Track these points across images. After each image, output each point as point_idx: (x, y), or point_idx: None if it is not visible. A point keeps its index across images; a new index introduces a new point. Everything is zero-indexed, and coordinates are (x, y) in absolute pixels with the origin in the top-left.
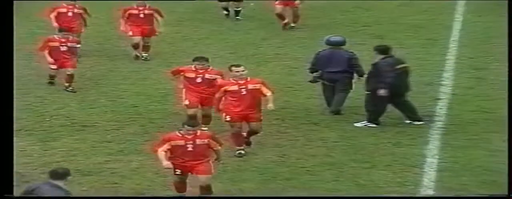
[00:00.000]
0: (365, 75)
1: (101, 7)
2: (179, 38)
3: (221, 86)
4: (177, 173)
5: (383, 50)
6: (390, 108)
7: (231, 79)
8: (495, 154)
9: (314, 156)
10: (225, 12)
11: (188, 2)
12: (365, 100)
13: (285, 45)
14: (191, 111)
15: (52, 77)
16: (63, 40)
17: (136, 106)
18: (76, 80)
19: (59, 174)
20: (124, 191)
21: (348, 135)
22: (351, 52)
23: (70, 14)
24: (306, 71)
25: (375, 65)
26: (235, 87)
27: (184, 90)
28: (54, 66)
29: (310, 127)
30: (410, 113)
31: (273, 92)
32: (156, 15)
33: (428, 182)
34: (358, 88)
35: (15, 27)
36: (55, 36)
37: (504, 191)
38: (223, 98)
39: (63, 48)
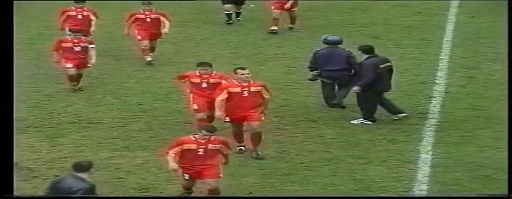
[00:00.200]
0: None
1: (107, 8)
2: (182, 38)
3: (224, 87)
4: (185, 177)
5: (367, 50)
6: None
7: (235, 81)
8: (486, 150)
9: (313, 152)
10: (227, 18)
11: (191, 4)
12: (357, 98)
13: (284, 45)
14: (200, 115)
15: (71, 78)
16: (75, 40)
17: (141, 104)
18: (83, 79)
19: (83, 167)
20: (129, 185)
21: (345, 131)
22: (349, 51)
23: (79, 17)
24: (305, 70)
25: (360, 64)
26: (238, 89)
27: (191, 95)
28: (70, 65)
29: (308, 124)
30: (391, 107)
31: (271, 95)
32: (163, 19)
33: (422, 177)
34: None
35: (24, 28)
36: (67, 37)
37: (496, 186)
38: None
39: (77, 49)
